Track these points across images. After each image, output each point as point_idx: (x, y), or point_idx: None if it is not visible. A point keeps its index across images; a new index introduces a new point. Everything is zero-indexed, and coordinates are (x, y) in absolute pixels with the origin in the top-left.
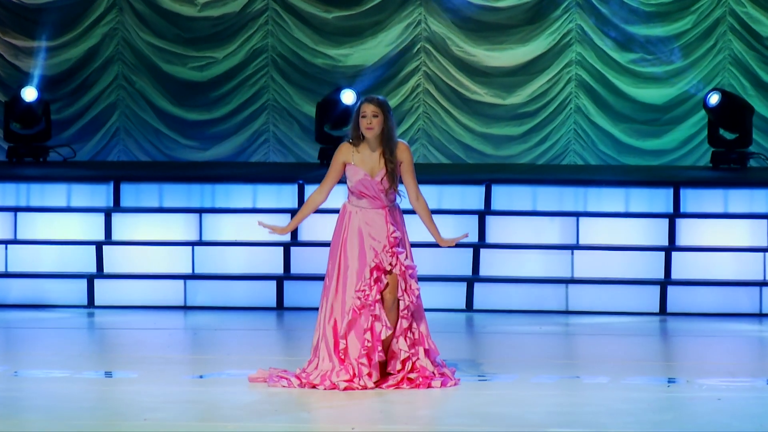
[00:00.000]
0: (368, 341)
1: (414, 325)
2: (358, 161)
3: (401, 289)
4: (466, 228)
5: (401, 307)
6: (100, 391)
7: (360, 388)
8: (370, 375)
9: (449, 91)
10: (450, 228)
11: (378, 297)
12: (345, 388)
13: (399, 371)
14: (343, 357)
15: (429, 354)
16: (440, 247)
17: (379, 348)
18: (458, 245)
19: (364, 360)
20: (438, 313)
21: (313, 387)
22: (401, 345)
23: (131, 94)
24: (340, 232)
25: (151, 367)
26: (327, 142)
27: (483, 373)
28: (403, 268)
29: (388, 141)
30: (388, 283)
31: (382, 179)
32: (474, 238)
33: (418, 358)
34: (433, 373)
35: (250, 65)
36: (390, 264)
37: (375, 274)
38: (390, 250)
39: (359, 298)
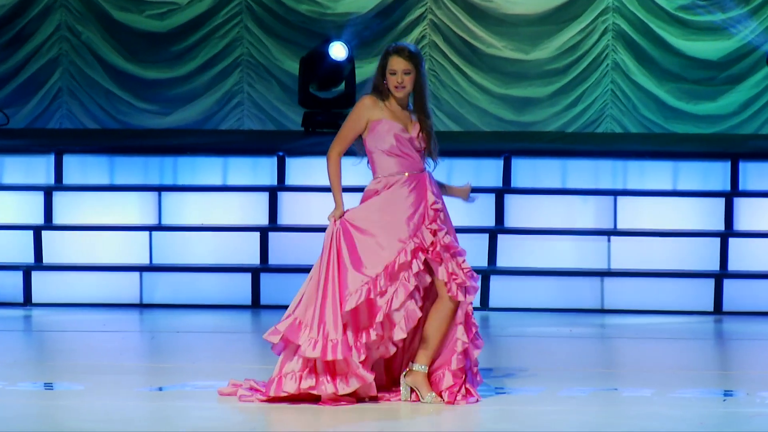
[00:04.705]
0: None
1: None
2: (389, 117)
3: (447, 273)
4: (480, 209)
5: (453, 290)
6: (39, 406)
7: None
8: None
9: (461, 43)
10: (461, 208)
11: (415, 281)
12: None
13: (458, 378)
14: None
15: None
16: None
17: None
18: (472, 230)
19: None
20: None
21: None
22: (459, 335)
23: (76, 47)
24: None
25: (101, 378)
26: (312, 105)
27: (502, 385)
28: (443, 245)
29: (421, 98)
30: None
31: (418, 135)
32: (491, 221)
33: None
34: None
35: (220, 12)
36: (429, 242)
37: (413, 255)
38: (429, 226)
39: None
